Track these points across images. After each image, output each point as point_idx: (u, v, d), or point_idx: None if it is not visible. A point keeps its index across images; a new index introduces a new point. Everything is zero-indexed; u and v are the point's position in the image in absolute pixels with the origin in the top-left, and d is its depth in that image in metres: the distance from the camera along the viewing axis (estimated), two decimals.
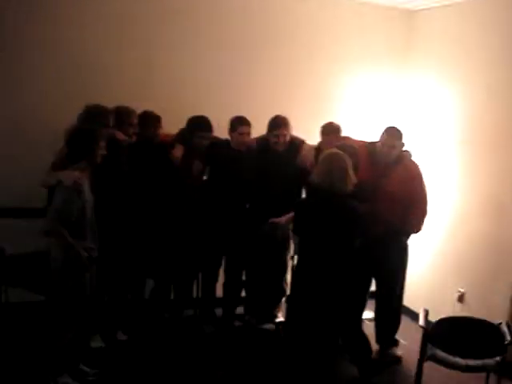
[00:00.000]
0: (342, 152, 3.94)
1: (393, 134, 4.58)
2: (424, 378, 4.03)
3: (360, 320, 4.76)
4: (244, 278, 5.25)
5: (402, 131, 4.61)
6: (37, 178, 3.96)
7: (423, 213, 4.65)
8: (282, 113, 4.88)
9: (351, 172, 3.83)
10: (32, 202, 4.54)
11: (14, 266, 4.50)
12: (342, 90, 5.83)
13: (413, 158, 4.76)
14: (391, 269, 4.73)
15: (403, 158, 4.65)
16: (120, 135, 4.32)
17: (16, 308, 4.71)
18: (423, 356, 4.02)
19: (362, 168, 4.28)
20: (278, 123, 4.83)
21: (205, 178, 4.93)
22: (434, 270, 5.55)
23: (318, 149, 4.82)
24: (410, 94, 5.97)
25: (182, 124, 4.74)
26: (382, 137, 4.60)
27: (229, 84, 5.36)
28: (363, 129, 5.65)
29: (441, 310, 4.36)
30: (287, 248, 5.10)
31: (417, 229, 4.68)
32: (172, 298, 5.09)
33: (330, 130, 4.90)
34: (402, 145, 4.62)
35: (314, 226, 3.81)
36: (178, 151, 4.65)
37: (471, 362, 3.88)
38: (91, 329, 4.29)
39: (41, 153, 4.26)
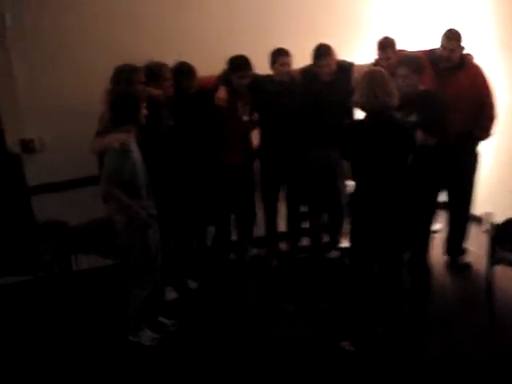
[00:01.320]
0: (379, 67, 3.86)
1: (451, 37, 4.41)
2: (496, 282, 4.04)
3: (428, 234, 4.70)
4: (305, 209, 5.26)
5: (461, 33, 4.42)
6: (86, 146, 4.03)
7: (492, 117, 4.51)
8: (320, 37, 4.76)
9: (393, 85, 3.72)
10: (87, 170, 4.65)
11: (80, 235, 4.65)
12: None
13: (475, 61, 4.59)
14: (465, 177, 4.65)
15: (466, 62, 4.49)
16: (154, 91, 4.28)
17: (88, 274, 4.92)
18: (492, 259, 4.01)
19: (425, 77, 4.18)
20: (322, 52, 4.70)
21: (245, 118, 4.84)
22: (497, 173, 5.39)
23: (376, 65, 4.63)
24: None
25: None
26: (441, 41, 4.43)
27: (261, 14, 5.20)
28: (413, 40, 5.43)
29: (504, 214, 4.29)
30: (342, 174, 5.07)
31: (487, 133, 4.56)
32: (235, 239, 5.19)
33: (386, 45, 4.73)
34: (463, 48, 4.44)
35: (364, 147, 3.75)
36: (222, 93, 4.61)
37: None
38: (163, 282, 4.41)
39: (88, 121, 4.26)
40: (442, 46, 4.44)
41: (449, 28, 4.50)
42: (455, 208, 4.84)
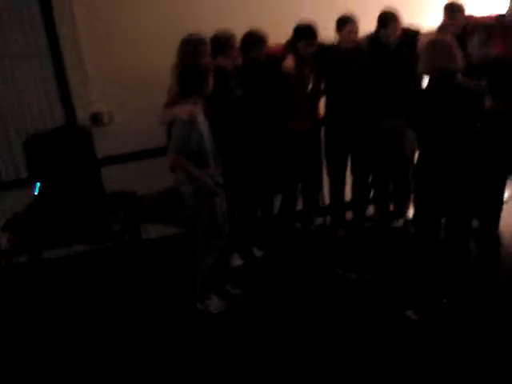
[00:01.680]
0: (443, 37, 3.75)
1: None
2: None
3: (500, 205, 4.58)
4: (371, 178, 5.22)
5: None
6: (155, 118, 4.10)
7: None
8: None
9: (457, 51, 3.61)
10: (154, 142, 4.75)
11: (148, 204, 4.76)
12: None
13: None
14: None
15: None
16: (221, 61, 4.30)
17: (157, 243, 5.05)
18: None
19: (496, 42, 4.03)
20: (388, 19, 4.61)
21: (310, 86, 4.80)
22: None
23: (442, 30, 4.53)
24: None
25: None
26: (510, 3, 4.29)
27: None
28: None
29: None
30: (408, 143, 4.98)
31: None
32: (301, 208, 5.20)
33: (455, 9, 4.60)
34: None
35: (430, 114, 3.66)
36: (290, 61, 4.59)
37: None
38: (230, 249, 4.48)
39: (155, 94, 4.33)
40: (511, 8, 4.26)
41: None
42: None
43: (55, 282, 4.83)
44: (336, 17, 4.65)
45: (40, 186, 4.20)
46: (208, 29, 4.35)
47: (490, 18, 4.44)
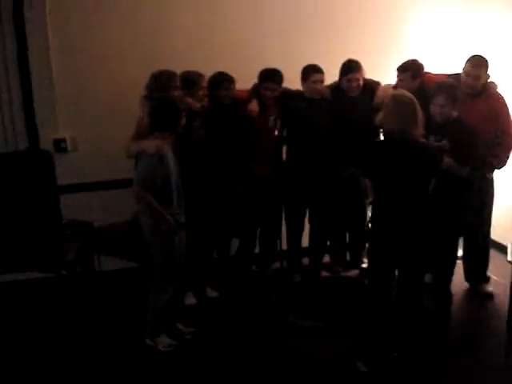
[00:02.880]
0: (407, 93, 3.80)
1: (477, 64, 4.37)
2: None
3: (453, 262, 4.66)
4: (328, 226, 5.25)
5: (487, 60, 4.39)
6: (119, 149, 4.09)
7: (509, 146, 4.48)
8: (347, 55, 4.77)
9: (420, 113, 3.66)
10: (116, 173, 4.74)
11: (104, 236, 4.69)
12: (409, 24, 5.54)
13: (499, 90, 4.54)
14: (477, 203, 4.57)
15: (489, 89, 4.45)
16: (189, 100, 4.31)
17: (110, 275, 4.95)
18: None
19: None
20: (351, 67, 4.74)
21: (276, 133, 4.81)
22: None
23: (396, 88, 4.62)
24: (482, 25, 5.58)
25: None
26: (465, 67, 4.39)
27: (291, 34, 5.24)
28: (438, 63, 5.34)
29: None
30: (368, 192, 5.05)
31: (502, 163, 4.52)
32: (258, 252, 5.20)
33: (406, 68, 4.68)
34: (488, 75, 4.42)
35: (387, 167, 3.70)
36: (254, 105, 4.65)
37: None
38: (184, 288, 4.44)
39: (121, 124, 4.34)
40: (465, 71, 4.40)
41: (474, 54, 4.46)
42: (471, 233, 4.73)
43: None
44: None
45: None
46: (180, 63, 4.40)
47: (443, 77, 4.57)
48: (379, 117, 3.81)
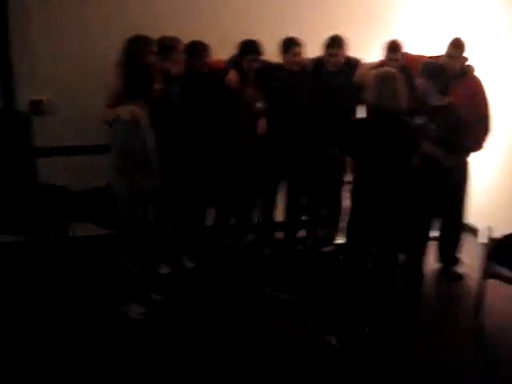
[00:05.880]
0: (391, 69, 3.84)
1: (458, 45, 4.43)
2: (488, 296, 4.05)
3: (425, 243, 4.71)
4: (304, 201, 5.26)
5: (466, 43, 4.43)
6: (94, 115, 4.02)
7: (486, 130, 4.50)
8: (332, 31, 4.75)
9: (403, 89, 3.70)
10: (94, 138, 4.67)
11: (79, 201, 4.65)
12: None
13: (476, 73, 4.57)
14: (453, 186, 4.62)
15: (468, 72, 4.48)
16: (167, 65, 4.24)
17: (83, 241, 4.91)
18: (485, 273, 4.02)
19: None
20: (333, 42, 4.73)
21: (259, 105, 4.79)
22: (498, 186, 5.39)
23: (383, 66, 4.57)
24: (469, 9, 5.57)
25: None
26: (447, 48, 4.44)
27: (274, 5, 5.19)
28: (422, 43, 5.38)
29: (505, 228, 4.25)
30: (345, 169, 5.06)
31: (479, 146, 4.55)
32: (233, 224, 5.20)
33: (396, 47, 4.72)
34: (465, 58, 4.44)
35: (368, 145, 3.72)
36: (233, 75, 4.61)
37: None
38: (158, 258, 4.43)
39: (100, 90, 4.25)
40: (446, 53, 4.45)
41: (455, 36, 4.51)
42: (447, 216, 4.81)
43: None
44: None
45: None
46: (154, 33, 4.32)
47: (422, 58, 4.58)
48: (365, 94, 3.82)
